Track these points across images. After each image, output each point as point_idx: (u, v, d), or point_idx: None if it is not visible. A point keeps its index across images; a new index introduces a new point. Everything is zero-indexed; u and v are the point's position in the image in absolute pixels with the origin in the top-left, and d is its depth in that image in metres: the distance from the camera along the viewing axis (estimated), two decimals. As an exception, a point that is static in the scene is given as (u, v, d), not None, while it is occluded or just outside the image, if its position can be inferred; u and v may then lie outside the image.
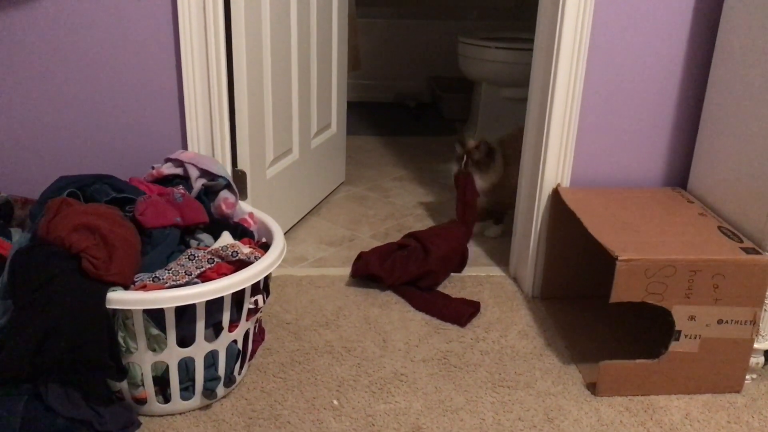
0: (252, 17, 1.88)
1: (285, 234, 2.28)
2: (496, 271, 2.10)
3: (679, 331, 1.51)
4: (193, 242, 1.51)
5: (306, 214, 2.45)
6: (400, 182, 2.85)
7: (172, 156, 1.64)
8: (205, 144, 1.81)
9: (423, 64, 4.05)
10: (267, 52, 2.00)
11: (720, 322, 1.51)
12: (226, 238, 1.47)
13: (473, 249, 2.24)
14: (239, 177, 1.97)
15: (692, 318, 1.50)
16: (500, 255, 2.20)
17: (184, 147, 1.82)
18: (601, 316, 1.86)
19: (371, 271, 1.94)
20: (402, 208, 2.58)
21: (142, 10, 1.69)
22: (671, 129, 1.86)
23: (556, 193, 1.84)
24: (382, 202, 2.63)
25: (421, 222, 2.46)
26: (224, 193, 1.60)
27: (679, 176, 1.90)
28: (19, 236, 1.52)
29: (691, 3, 1.74)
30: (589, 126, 1.84)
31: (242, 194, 1.99)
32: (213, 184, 1.60)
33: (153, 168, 1.64)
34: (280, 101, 2.12)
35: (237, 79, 1.89)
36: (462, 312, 1.83)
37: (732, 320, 1.51)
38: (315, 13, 2.27)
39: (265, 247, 1.54)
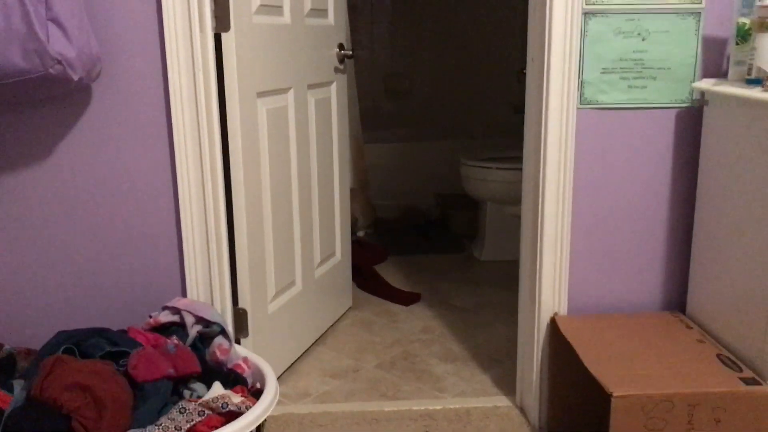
0: (250, 156, 1.96)
1: (288, 368, 2.28)
2: (502, 401, 2.06)
3: (686, 470, 1.46)
4: (187, 392, 1.52)
5: (311, 344, 2.46)
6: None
7: (169, 304, 1.68)
8: (204, 286, 1.85)
9: (430, 183, 4.15)
10: (267, 189, 2.08)
11: (727, 458, 1.45)
12: (216, 389, 1.48)
13: (480, 378, 2.22)
14: (240, 315, 2.00)
15: (697, 455, 1.45)
16: (507, 383, 2.16)
17: (183, 289, 1.86)
18: (610, 448, 1.80)
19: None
20: (409, 334, 2.57)
21: (140, 160, 1.78)
22: (665, 252, 1.86)
23: (553, 323, 1.83)
24: (389, 328, 2.63)
25: (428, 348, 2.44)
26: (218, 339, 1.62)
27: (677, 299, 1.89)
28: (19, 390, 1.54)
29: (671, 132, 1.79)
30: (582, 252, 1.85)
31: (243, 332, 2.01)
32: (208, 331, 1.63)
33: (150, 317, 1.68)
34: (281, 236, 2.18)
35: (236, 219, 1.96)
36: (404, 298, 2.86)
37: (739, 456, 1.45)
38: (315, 143, 2.36)
39: (259, 393, 1.54)
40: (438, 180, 4.15)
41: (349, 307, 2.79)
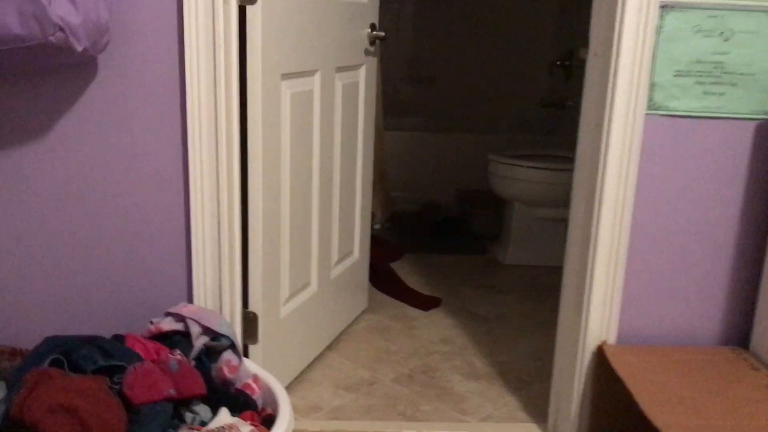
0: (271, 145, 1.77)
1: (298, 376, 2.10)
2: (533, 430, 1.88)
3: None
4: (189, 415, 1.33)
5: (323, 350, 2.27)
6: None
7: (173, 310, 1.49)
8: (213, 287, 1.66)
9: (450, 177, 3.94)
10: (286, 182, 1.88)
11: None
12: (223, 417, 1.29)
13: (507, 400, 2.03)
14: (250, 320, 1.81)
15: None
16: (536, 408, 1.98)
17: (189, 288, 1.67)
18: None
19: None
20: (427, 344, 2.38)
21: (148, 145, 1.58)
22: (730, 281, 1.66)
23: (601, 352, 1.64)
24: (406, 335, 2.44)
25: (449, 361, 2.26)
26: (227, 355, 1.43)
27: (739, 334, 1.69)
28: (2, 393, 1.36)
29: (749, 147, 1.59)
30: (638, 274, 1.66)
31: (253, 338, 1.83)
32: (215, 345, 1.44)
33: (152, 323, 1.49)
34: (298, 235, 1.98)
35: (252, 215, 1.76)
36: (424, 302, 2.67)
37: None
38: (339, 133, 2.16)
39: (269, 419, 1.36)
40: (459, 174, 3.95)
41: (364, 309, 2.60)
